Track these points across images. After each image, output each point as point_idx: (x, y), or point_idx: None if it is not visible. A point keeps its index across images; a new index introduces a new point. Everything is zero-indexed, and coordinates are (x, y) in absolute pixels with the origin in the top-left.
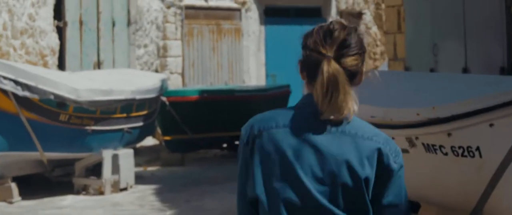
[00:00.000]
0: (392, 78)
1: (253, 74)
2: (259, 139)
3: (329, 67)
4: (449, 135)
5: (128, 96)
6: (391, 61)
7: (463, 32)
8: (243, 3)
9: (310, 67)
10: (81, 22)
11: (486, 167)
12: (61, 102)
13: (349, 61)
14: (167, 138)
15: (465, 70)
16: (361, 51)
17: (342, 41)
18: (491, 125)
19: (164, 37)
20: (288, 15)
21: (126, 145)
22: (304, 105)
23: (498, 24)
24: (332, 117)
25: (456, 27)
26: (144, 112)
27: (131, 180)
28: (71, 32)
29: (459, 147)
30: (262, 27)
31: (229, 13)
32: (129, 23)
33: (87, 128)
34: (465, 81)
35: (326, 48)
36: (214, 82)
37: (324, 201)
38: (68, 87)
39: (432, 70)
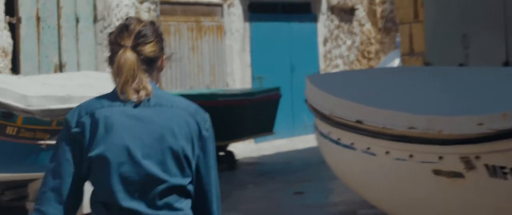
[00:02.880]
0: (423, 76)
1: (238, 77)
2: (88, 119)
3: (122, 54)
4: None
5: None
6: (405, 56)
7: (503, 19)
8: None
9: (114, 60)
10: (38, 18)
11: None
12: (7, 113)
13: (147, 48)
14: None
15: (507, 64)
16: (158, 40)
17: (138, 32)
18: None
19: None
20: (275, 11)
21: None
22: None
23: None
24: (130, 97)
25: (493, 14)
26: None
27: None
28: (26, 29)
29: None
30: (247, 25)
31: (210, 9)
32: (95, 20)
33: (41, 142)
34: None
35: (124, 39)
36: (194, 86)
37: (151, 167)
38: (15, 94)
39: (462, 65)
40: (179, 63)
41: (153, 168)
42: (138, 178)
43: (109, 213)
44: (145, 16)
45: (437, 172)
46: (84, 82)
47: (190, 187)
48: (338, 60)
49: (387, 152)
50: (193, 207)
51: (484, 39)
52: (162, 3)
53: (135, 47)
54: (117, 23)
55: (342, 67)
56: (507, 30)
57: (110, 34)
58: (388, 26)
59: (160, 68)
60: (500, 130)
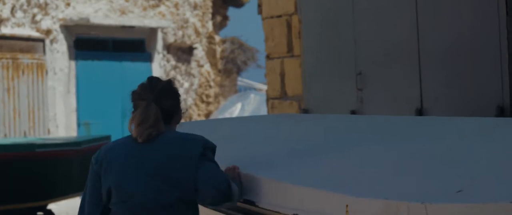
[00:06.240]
0: (324, 128)
1: (61, 123)
2: (105, 157)
3: (146, 106)
4: None
5: None
6: (274, 100)
7: (416, 52)
8: (48, 32)
9: (137, 111)
10: None
11: None
12: None
13: (166, 102)
14: None
15: (421, 112)
16: (175, 97)
17: (160, 89)
18: None
19: None
20: (105, 49)
21: None
22: None
23: (491, 44)
24: (144, 139)
25: (402, 45)
26: None
27: None
28: None
29: None
30: (73, 63)
31: (29, 45)
32: None
33: None
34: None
35: (148, 94)
36: (8, 134)
37: (153, 195)
38: None
39: (354, 113)
40: None
41: (156, 195)
42: (142, 204)
43: None
44: None
45: None
46: None
47: (195, 209)
48: None
49: None
50: None
51: (389, 79)
52: None
53: (156, 100)
54: None
55: None
56: (421, 68)
57: (133, 92)
58: (228, 67)
59: (177, 121)
60: None
